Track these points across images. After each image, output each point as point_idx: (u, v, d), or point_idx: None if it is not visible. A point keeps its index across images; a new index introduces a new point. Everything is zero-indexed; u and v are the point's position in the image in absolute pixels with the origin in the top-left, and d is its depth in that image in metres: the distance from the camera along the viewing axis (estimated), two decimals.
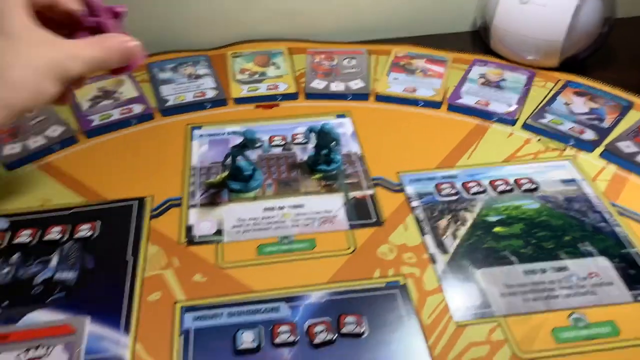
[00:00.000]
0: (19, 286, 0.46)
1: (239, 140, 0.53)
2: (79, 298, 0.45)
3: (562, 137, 0.61)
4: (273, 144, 0.60)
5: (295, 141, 0.61)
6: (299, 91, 0.69)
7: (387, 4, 0.81)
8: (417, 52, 0.76)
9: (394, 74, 0.72)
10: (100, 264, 0.48)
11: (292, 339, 0.42)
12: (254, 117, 0.65)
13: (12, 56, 0.37)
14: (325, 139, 0.55)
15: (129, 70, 0.43)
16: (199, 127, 0.63)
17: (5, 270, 0.47)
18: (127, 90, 0.69)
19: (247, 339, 0.42)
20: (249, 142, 0.51)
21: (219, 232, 0.51)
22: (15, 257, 0.48)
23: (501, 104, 0.66)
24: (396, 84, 0.70)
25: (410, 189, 0.55)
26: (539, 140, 0.60)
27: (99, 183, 0.56)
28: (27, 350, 0.41)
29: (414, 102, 0.67)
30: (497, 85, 0.69)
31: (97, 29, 0.42)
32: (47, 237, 0.50)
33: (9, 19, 0.37)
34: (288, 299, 0.45)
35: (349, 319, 0.43)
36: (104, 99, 0.67)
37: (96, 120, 0.64)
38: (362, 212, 0.52)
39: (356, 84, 0.70)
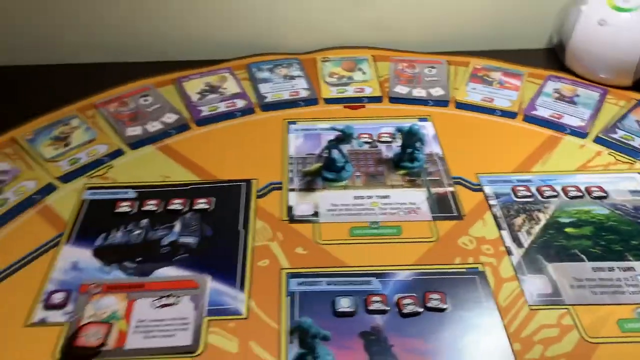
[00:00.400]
0: (149, 246, 0.54)
1: (335, 135, 0.60)
2: (200, 259, 0.53)
3: (632, 152, 0.65)
4: (361, 140, 0.67)
5: (381, 139, 0.67)
6: (383, 95, 0.75)
7: (467, 19, 0.86)
8: (494, 65, 0.81)
9: (472, 84, 0.78)
10: (216, 233, 0.55)
11: (383, 307, 0.48)
12: (342, 116, 0.72)
13: None
14: (411, 138, 0.61)
15: None
16: (294, 122, 0.71)
17: (137, 232, 0.56)
18: (231, 86, 0.77)
19: (344, 304, 0.48)
20: (346, 137, 0.58)
21: (315, 214, 0.58)
22: (145, 222, 0.57)
23: (574, 117, 0.71)
24: (474, 94, 0.76)
25: (488, 189, 0.60)
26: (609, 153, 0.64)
27: (211, 165, 0.64)
28: (160, 297, 0.49)
29: (491, 111, 0.72)
30: (571, 101, 0.74)
31: None
32: (170, 207, 0.58)
33: None
34: (378, 275, 0.51)
35: (434, 295, 0.49)
36: (210, 93, 0.76)
37: (205, 110, 0.72)
38: (443, 206, 0.58)
39: (437, 91, 0.76)
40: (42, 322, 0.47)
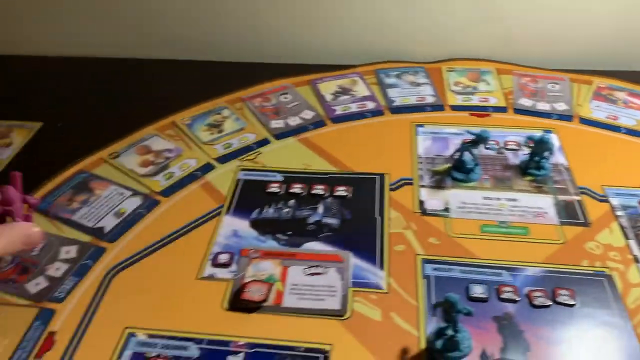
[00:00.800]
0: (297, 223, 0.61)
1: (470, 138, 0.64)
2: (342, 238, 0.59)
3: None
4: (487, 146, 0.71)
5: (508, 147, 0.71)
6: (507, 106, 0.79)
7: (589, 39, 0.88)
8: (618, 85, 0.83)
9: (595, 101, 0.79)
10: (355, 217, 0.61)
11: (514, 297, 0.52)
12: (468, 123, 0.76)
13: None
14: (542, 147, 0.65)
15: None
16: (422, 126, 0.76)
17: (286, 210, 0.63)
18: (361, 89, 0.84)
19: (477, 290, 0.53)
20: (481, 140, 0.63)
21: (446, 209, 0.62)
22: (292, 202, 0.64)
23: None
24: (598, 111, 0.77)
25: (615, 201, 0.62)
26: None
27: (346, 157, 0.70)
28: (310, 267, 0.56)
29: (616, 129, 0.74)
30: None
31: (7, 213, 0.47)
32: (313, 192, 0.65)
33: None
34: (508, 269, 0.55)
35: (563, 291, 0.52)
36: (342, 95, 0.83)
37: (338, 110, 0.79)
38: (570, 213, 0.61)
39: (560, 106, 0.79)
40: (211, 277, 0.55)
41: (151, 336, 0.50)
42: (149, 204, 0.63)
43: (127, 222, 0.61)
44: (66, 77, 0.91)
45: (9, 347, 0.49)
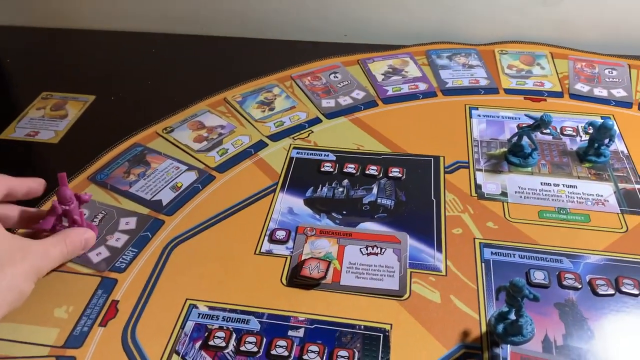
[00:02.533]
0: (352, 203, 0.61)
1: (531, 122, 0.63)
2: (397, 219, 0.59)
3: None
4: (545, 131, 0.69)
5: (565, 132, 0.69)
6: (563, 91, 0.77)
7: None
8: None
9: None
10: (410, 199, 0.61)
11: (576, 285, 0.51)
12: (523, 107, 0.75)
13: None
14: (603, 134, 0.63)
15: None
16: (476, 108, 0.74)
17: (340, 189, 0.62)
18: (412, 70, 0.83)
19: (538, 276, 0.52)
20: (543, 124, 0.61)
21: (503, 194, 0.61)
22: (345, 182, 0.64)
23: None
24: None
25: None
26: None
27: (399, 138, 0.70)
28: (367, 247, 0.55)
29: None
30: None
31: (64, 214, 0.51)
32: (367, 172, 0.64)
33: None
34: (569, 256, 0.54)
35: (627, 280, 0.51)
36: (393, 75, 0.82)
37: (390, 90, 0.78)
38: (632, 201, 0.60)
39: (619, 92, 0.77)
40: (269, 253, 0.55)
41: (212, 308, 0.50)
42: (205, 178, 0.64)
43: (184, 196, 0.62)
44: (117, 51, 0.91)
45: (74, 314, 0.50)
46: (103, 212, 0.60)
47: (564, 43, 0.87)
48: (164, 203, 0.61)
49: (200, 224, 0.58)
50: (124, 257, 0.55)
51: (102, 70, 0.86)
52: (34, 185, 0.52)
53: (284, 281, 0.52)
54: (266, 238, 0.57)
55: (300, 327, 0.48)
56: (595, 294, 0.50)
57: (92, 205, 0.60)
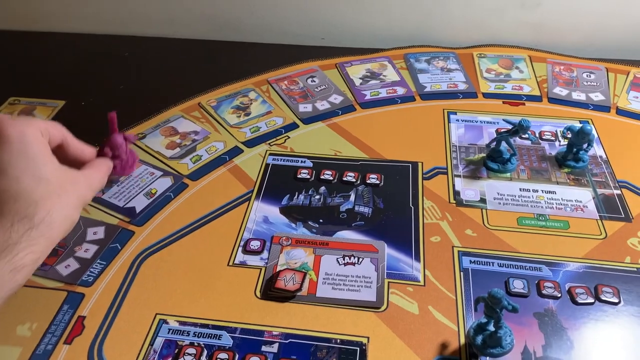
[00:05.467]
0: (329, 211, 0.59)
1: (508, 127, 0.62)
2: (375, 228, 0.57)
3: None
4: (524, 136, 0.68)
5: (544, 137, 0.69)
6: (542, 95, 0.77)
7: (628, 27, 0.86)
8: None
9: (633, 92, 0.77)
10: (388, 206, 0.60)
11: (556, 294, 0.50)
12: (501, 111, 0.74)
13: (51, 201, 0.40)
14: (581, 138, 0.63)
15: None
16: (454, 113, 0.74)
17: (317, 197, 0.61)
18: (390, 74, 0.81)
19: (518, 285, 0.51)
20: (521, 129, 0.61)
21: (482, 201, 0.60)
22: (322, 189, 0.62)
23: None
24: (637, 102, 0.75)
25: None
26: None
27: (377, 144, 0.68)
28: (344, 256, 0.54)
29: None
30: None
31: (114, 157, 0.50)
32: (345, 179, 0.63)
33: (42, 165, 0.41)
34: (548, 264, 0.53)
35: (606, 289, 0.51)
36: (371, 79, 0.80)
37: (368, 95, 0.77)
38: (610, 207, 0.59)
39: (597, 96, 0.76)
40: (243, 264, 0.54)
41: (183, 323, 0.48)
42: (178, 187, 0.62)
43: (156, 205, 0.60)
44: (87, 55, 0.89)
45: (38, 331, 0.48)
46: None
47: (542, 46, 0.87)
48: (138, 210, 0.59)
49: (171, 235, 0.57)
50: (91, 270, 0.53)
51: (72, 75, 0.84)
52: (87, 150, 0.49)
53: (258, 294, 0.51)
54: (240, 249, 0.55)
55: (275, 342, 0.47)
56: (575, 302, 0.50)
57: None
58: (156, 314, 0.49)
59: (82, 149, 0.48)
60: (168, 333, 0.48)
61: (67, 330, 0.48)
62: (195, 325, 0.48)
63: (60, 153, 0.46)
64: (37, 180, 0.40)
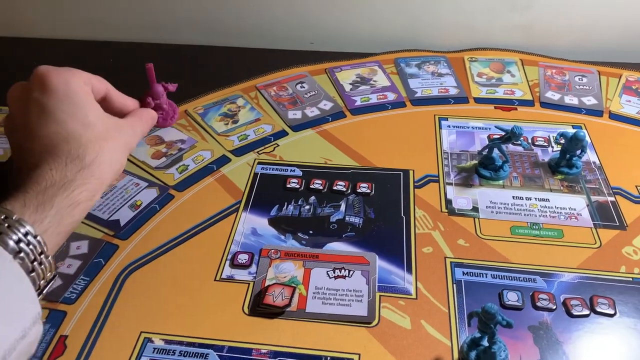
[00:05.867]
0: (319, 221, 0.58)
1: (501, 134, 0.61)
2: (366, 239, 0.56)
3: None
4: (517, 142, 0.67)
5: (536, 142, 0.68)
6: (534, 99, 0.76)
7: (619, 30, 0.85)
8: None
9: (626, 96, 0.76)
10: (379, 216, 0.59)
11: (551, 306, 0.49)
12: (493, 116, 0.73)
13: (99, 144, 0.45)
14: (574, 145, 0.62)
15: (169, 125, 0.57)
16: (446, 119, 0.72)
17: (307, 207, 0.60)
18: (380, 79, 0.80)
19: (512, 297, 0.50)
20: (513, 136, 0.60)
21: (475, 209, 0.59)
22: (312, 199, 0.61)
23: None
24: (629, 106, 0.74)
25: None
26: None
27: (367, 151, 0.67)
28: (334, 269, 0.53)
29: None
30: None
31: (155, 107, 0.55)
32: (335, 188, 0.62)
33: (87, 111, 0.45)
34: (543, 274, 0.52)
35: (602, 300, 0.50)
36: (361, 84, 0.79)
37: (358, 100, 0.76)
38: (605, 215, 0.58)
39: (589, 100, 0.76)
40: (230, 279, 0.52)
41: (168, 342, 0.47)
42: (164, 198, 0.60)
43: (141, 218, 0.58)
44: (72, 62, 0.87)
45: None
46: None
47: (533, 49, 0.86)
48: (122, 223, 0.58)
49: (156, 249, 0.55)
50: (74, 286, 0.52)
51: None
52: (130, 102, 0.53)
53: (246, 310, 0.49)
54: (227, 262, 0.54)
55: None
56: (570, 315, 0.49)
57: None
58: (141, 332, 0.48)
59: (125, 101, 0.52)
60: (153, 352, 0.46)
61: (48, 351, 0.46)
62: (181, 343, 0.47)
63: (104, 105, 0.49)
64: (84, 125, 0.44)
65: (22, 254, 0.38)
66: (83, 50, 0.89)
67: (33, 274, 0.39)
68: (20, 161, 0.45)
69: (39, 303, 0.38)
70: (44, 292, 0.41)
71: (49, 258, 0.41)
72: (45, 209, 0.41)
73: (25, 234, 0.39)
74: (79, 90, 0.45)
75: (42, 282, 0.41)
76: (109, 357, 0.46)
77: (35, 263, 0.39)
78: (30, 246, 0.39)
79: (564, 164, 0.63)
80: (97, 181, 0.44)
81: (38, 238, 0.39)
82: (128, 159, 0.64)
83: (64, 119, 0.44)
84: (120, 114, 0.51)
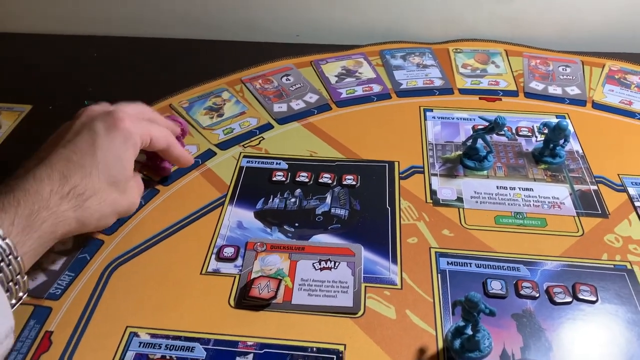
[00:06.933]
0: (305, 214, 0.58)
1: (484, 124, 0.62)
2: (352, 230, 0.56)
3: None
4: (501, 132, 0.68)
5: (520, 132, 0.68)
6: (518, 90, 0.76)
7: (602, 20, 0.85)
8: (631, 69, 0.80)
9: (608, 85, 0.77)
10: (365, 208, 0.59)
11: (534, 294, 0.50)
12: (478, 107, 0.73)
13: (104, 195, 0.49)
14: (557, 134, 0.62)
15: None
16: (431, 110, 0.73)
17: (293, 200, 0.60)
18: (366, 71, 0.80)
19: (495, 286, 0.50)
20: (497, 127, 0.60)
21: (459, 199, 0.60)
22: (298, 191, 0.61)
23: None
24: (612, 95, 0.75)
25: (632, 190, 0.60)
26: None
27: (353, 143, 0.67)
28: (320, 261, 0.53)
29: (631, 115, 0.72)
30: None
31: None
32: (321, 180, 0.62)
33: (123, 167, 0.50)
34: (526, 263, 0.53)
35: (584, 287, 0.50)
36: (347, 76, 0.79)
37: (344, 93, 0.76)
38: (587, 204, 0.59)
39: (573, 90, 0.76)
40: (216, 272, 0.52)
41: (154, 336, 0.47)
42: (149, 193, 0.60)
43: None
44: (55, 57, 0.86)
45: None
46: None
47: (518, 40, 0.86)
48: None
49: (142, 243, 0.55)
50: (59, 282, 0.51)
51: (38, 78, 0.81)
52: (183, 158, 0.60)
53: (232, 303, 0.49)
54: (213, 256, 0.54)
55: (249, 353, 0.46)
56: (553, 302, 0.49)
57: None
58: (127, 326, 0.48)
59: (179, 155, 0.59)
60: (139, 346, 0.46)
61: (34, 347, 0.46)
62: (167, 337, 0.47)
63: (165, 154, 0.57)
64: (109, 178, 0.49)
65: (1, 274, 0.39)
66: (67, 44, 0.88)
67: (7, 293, 0.40)
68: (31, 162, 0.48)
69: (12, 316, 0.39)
70: (14, 308, 0.42)
71: (24, 278, 0.41)
72: (31, 232, 0.42)
73: (8, 255, 0.39)
74: (130, 146, 0.50)
75: (13, 301, 0.41)
76: (94, 352, 0.46)
77: (10, 283, 0.40)
78: (10, 267, 0.39)
79: (548, 154, 0.64)
80: (82, 226, 0.48)
81: (18, 259, 0.40)
82: None
83: (97, 162, 0.48)
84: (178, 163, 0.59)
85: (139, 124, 0.51)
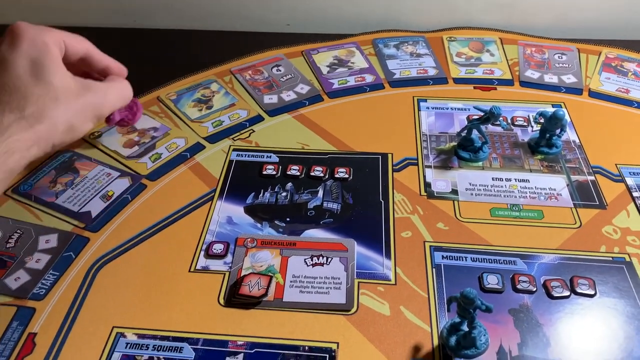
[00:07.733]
0: (296, 208, 0.57)
1: (479, 115, 0.60)
2: (344, 225, 0.55)
3: None
4: (496, 122, 0.66)
5: (516, 122, 0.67)
6: (513, 78, 0.75)
7: (598, 6, 0.84)
8: (628, 56, 0.79)
9: (605, 73, 0.76)
10: (357, 201, 0.57)
11: (531, 288, 0.49)
12: (473, 96, 0.72)
13: (45, 100, 0.46)
14: (554, 124, 0.61)
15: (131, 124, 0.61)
16: (425, 100, 0.71)
17: (284, 194, 0.58)
18: (359, 61, 0.79)
19: (492, 281, 0.49)
20: (492, 117, 0.59)
21: (454, 192, 0.58)
22: (289, 185, 0.59)
23: None
24: (609, 84, 0.74)
25: (630, 181, 0.59)
26: None
27: (345, 136, 0.66)
28: (312, 257, 0.52)
29: (628, 103, 0.70)
30: None
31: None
32: (312, 174, 0.60)
33: (47, 70, 0.46)
34: (523, 256, 0.52)
35: (582, 281, 0.49)
36: (339, 66, 0.77)
37: (335, 83, 0.74)
38: (585, 195, 0.58)
39: (569, 78, 0.75)
40: (205, 269, 0.51)
41: (141, 336, 0.46)
42: (136, 188, 0.59)
43: (113, 209, 0.56)
44: None
45: None
46: (19, 231, 0.54)
47: (513, 27, 0.84)
48: (93, 214, 0.56)
49: (128, 240, 0.53)
50: (43, 281, 0.50)
51: None
52: (113, 66, 0.55)
53: (222, 301, 0.48)
54: (202, 253, 0.52)
55: (239, 353, 0.44)
56: (550, 296, 0.48)
57: (6, 225, 0.54)
58: (113, 327, 0.46)
59: (108, 62, 0.54)
60: (126, 347, 0.45)
61: (17, 350, 0.45)
62: (154, 337, 0.45)
63: (84, 65, 0.53)
64: (37, 82, 0.46)
65: None
66: None
67: None
68: None
69: None
70: None
71: None
72: None
73: None
74: (45, 49, 0.47)
75: None
76: (79, 354, 0.44)
77: None
78: None
79: (544, 144, 0.63)
80: (35, 135, 0.45)
81: None
82: (99, 149, 0.62)
83: (18, 74, 0.45)
84: (103, 75, 0.54)
85: (48, 31, 0.49)
